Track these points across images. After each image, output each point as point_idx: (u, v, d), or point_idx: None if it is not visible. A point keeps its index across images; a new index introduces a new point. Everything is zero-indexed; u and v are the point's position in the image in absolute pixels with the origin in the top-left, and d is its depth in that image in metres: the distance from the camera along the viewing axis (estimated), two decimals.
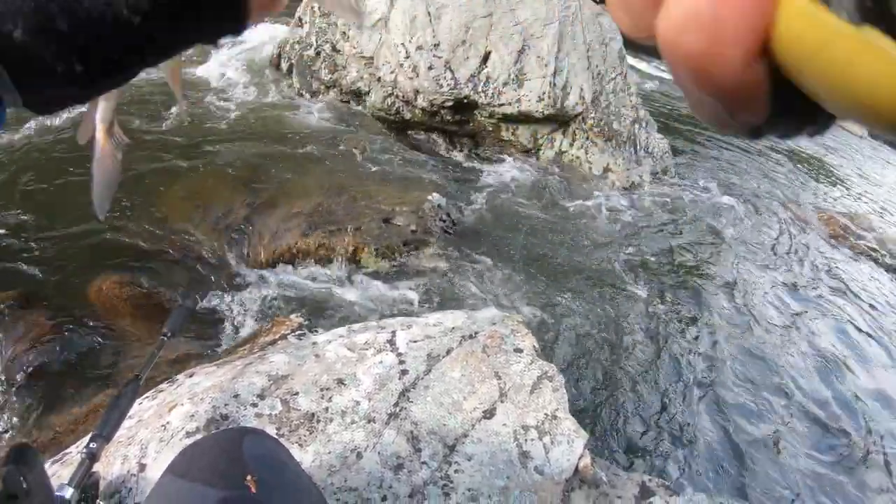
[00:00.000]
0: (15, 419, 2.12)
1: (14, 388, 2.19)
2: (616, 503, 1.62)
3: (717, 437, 2.99)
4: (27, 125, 3.62)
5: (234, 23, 0.33)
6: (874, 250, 6.35)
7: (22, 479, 0.87)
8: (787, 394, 3.57)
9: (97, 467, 1.21)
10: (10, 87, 0.29)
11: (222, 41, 0.34)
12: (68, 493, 1.07)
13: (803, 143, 11.03)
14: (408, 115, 5.04)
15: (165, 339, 1.53)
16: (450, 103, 4.96)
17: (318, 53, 5.21)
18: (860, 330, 4.68)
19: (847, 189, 9.13)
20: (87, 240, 2.89)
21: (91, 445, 1.17)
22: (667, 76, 12.69)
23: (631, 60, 6.45)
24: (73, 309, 2.54)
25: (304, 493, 0.90)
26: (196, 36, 0.32)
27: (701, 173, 6.79)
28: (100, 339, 2.48)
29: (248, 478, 0.85)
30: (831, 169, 10.03)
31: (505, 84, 5.02)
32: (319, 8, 5.23)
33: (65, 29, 0.28)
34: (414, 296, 3.25)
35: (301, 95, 5.19)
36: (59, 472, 1.39)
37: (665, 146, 6.08)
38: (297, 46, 5.33)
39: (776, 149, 9.66)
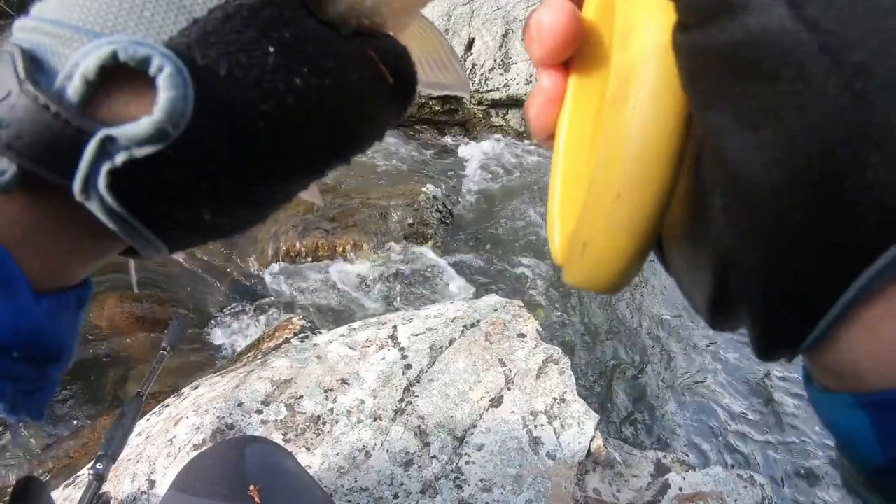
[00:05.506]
0: (28, 447, 2.12)
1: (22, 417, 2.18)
2: (632, 482, 1.61)
3: (732, 409, 2.98)
4: None
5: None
6: None
7: None
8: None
9: (106, 487, 1.20)
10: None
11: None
12: None
13: None
14: None
15: (165, 353, 1.52)
16: (437, 94, 4.93)
17: None
18: None
19: None
20: None
21: (97, 466, 1.16)
22: None
23: None
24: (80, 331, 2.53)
25: (308, 499, 0.89)
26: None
27: None
28: (107, 358, 2.48)
29: (251, 488, 0.84)
30: None
31: (491, 70, 4.99)
32: None
33: None
34: (415, 289, 3.24)
35: None
36: (71, 495, 1.38)
37: None
38: None
39: None
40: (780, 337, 0.20)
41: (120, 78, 0.22)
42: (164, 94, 0.22)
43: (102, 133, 0.22)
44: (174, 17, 0.23)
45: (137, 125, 0.22)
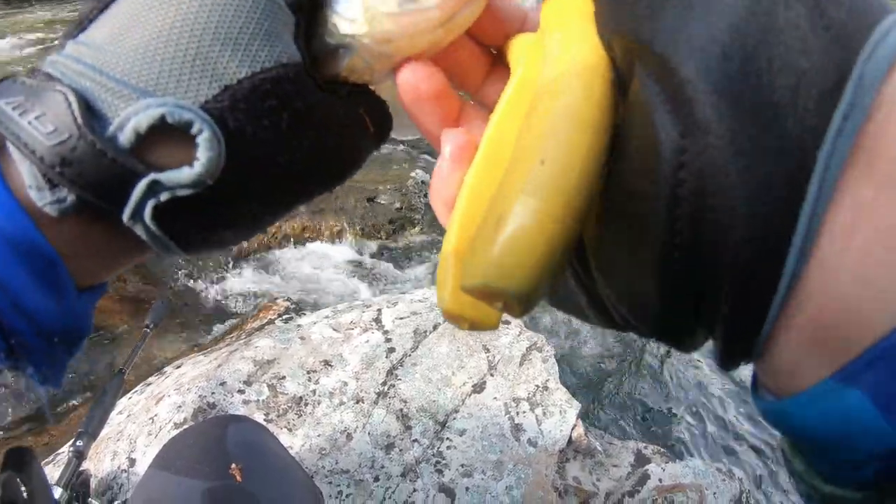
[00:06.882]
0: (8, 425, 2.10)
1: (4, 394, 2.17)
2: (612, 471, 1.63)
3: (714, 403, 3.02)
4: None
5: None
6: None
7: (21, 484, 0.86)
8: None
9: (86, 465, 1.20)
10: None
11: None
12: (57, 493, 1.06)
13: None
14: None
15: (148, 331, 1.52)
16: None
17: None
18: None
19: None
20: None
21: (77, 444, 1.15)
22: None
23: None
24: None
25: (290, 478, 0.89)
26: None
27: None
28: (91, 336, 2.45)
29: (233, 466, 0.84)
30: None
31: None
32: None
33: None
34: (401, 273, 3.23)
35: None
36: (51, 473, 1.37)
37: None
38: None
39: None
40: (760, 261, 0.18)
41: (163, 131, 0.27)
42: (204, 153, 0.27)
43: (151, 177, 0.27)
44: (208, 84, 0.28)
45: (180, 174, 0.27)
